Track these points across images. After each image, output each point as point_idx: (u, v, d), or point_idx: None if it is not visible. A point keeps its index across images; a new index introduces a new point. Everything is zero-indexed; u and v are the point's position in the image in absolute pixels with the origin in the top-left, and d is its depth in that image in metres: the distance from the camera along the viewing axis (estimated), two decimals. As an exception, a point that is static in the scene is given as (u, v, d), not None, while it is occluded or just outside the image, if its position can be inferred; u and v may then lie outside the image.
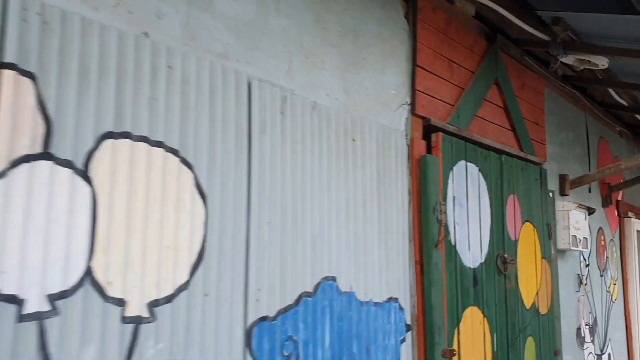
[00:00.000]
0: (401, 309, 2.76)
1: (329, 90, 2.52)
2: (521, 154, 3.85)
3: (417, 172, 2.93)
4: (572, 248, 4.13)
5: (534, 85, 4.20)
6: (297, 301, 2.20)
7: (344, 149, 2.53)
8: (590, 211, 4.46)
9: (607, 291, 5.30)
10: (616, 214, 5.75)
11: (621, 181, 5.48)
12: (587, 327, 4.76)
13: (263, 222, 2.11)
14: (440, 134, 3.05)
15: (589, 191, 5.11)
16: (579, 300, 4.62)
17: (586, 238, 4.39)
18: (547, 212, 4.05)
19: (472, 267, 3.15)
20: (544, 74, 4.33)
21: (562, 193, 4.46)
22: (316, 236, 2.32)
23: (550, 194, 4.13)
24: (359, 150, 2.62)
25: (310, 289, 2.27)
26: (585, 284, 4.81)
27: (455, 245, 3.03)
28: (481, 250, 3.25)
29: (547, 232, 4.02)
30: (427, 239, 2.86)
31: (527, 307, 3.64)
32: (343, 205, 2.49)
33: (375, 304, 2.59)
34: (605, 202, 5.39)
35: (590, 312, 4.86)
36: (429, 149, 3.04)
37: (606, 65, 3.90)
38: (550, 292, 3.96)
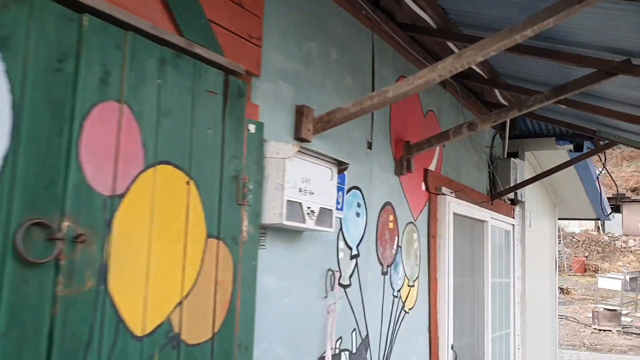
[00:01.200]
0: None
1: None
2: (171, 38, 2.02)
3: None
4: (288, 223, 2.36)
5: (240, -60, 2.39)
6: None
7: None
8: (341, 167, 2.74)
9: (395, 296, 3.64)
10: (423, 187, 4.15)
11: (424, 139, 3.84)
12: (343, 353, 3.05)
13: None
14: None
15: (369, 147, 3.42)
16: (328, 312, 2.90)
17: (330, 210, 2.65)
18: (238, 156, 2.25)
19: None
20: None
21: (299, 136, 2.70)
22: None
23: (252, 127, 2.34)
24: None
25: None
26: (348, 286, 3.11)
27: None
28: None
29: (234, 192, 2.22)
30: None
31: (139, 333, 1.81)
32: None
33: None
34: (400, 167, 3.74)
35: (354, 330, 3.16)
36: None
37: None
38: (228, 301, 2.16)
